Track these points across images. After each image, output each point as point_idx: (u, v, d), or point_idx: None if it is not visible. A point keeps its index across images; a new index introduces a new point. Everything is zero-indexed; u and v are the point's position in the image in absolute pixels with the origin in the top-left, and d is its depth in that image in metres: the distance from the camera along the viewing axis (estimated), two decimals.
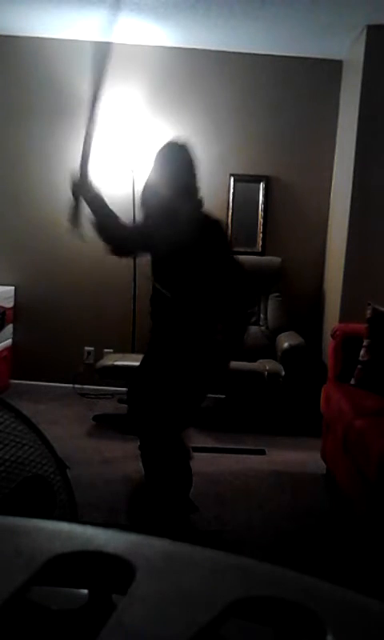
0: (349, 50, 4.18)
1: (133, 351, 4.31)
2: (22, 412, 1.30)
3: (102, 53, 2.45)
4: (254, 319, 4.34)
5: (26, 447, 1.25)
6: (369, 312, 3.18)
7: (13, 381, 4.61)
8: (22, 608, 0.53)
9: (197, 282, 2.53)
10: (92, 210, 2.49)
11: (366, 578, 2.33)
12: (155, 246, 2.57)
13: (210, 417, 4.00)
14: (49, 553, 0.54)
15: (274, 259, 4.50)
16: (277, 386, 3.90)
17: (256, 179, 4.55)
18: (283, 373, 3.91)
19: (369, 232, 3.93)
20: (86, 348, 4.68)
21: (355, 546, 2.62)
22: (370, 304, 3.22)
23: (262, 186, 4.55)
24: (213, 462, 3.38)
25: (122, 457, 3.42)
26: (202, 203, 2.58)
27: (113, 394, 4.51)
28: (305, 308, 4.59)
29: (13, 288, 4.58)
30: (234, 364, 4.03)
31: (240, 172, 4.52)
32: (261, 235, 4.59)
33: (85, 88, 4.46)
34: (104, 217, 2.53)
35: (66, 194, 2.50)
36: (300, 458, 3.58)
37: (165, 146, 2.57)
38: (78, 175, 2.44)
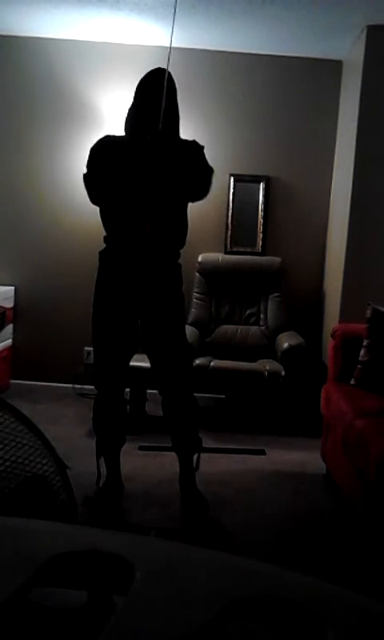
0: (349, 50, 4.18)
1: None
2: (22, 412, 1.30)
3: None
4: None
5: (26, 447, 1.25)
6: (369, 312, 3.18)
7: (13, 381, 4.61)
8: (22, 608, 0.53)
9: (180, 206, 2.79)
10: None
11: (367, 578, 2.33)
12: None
13: (210, 417, 4.00)
14: (49, 553, 0.54)
15: (274, 259, 4.50)
16: (277, 385, 3.90)
17: (256, 179, 4.55)
18: (283, 373, 3.91)
19: (369, 232, 3.93)
20: (86, 348, 4.67)
21: (355, 546, 2.62)
22: (369, 304, 3.22)
23: (262, 186, 4.54)
24: (213, 462, 3.38)
25: (122, 457, 3.42)
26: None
27: None
28: (305, 308, 4.59)
29: (13, 288, 4.58)
30: (233, 364, 4.06)
31: (240, 172, 4.52)
32: (261, 235, 4.59)
33: (85, 88, 4.47)
34: None
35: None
36: (300, 457, 3.58)
37: (154, 75, 2.70)
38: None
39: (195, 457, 2.95)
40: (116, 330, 2.82)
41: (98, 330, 2.87)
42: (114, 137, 2.89)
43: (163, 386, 2.88)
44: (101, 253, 2.84)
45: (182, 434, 2.92)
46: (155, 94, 2.62)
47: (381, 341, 3.12)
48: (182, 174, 2.72)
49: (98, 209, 2.85)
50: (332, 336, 3.42)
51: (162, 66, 2.70)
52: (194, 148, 2.78)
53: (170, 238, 2.78)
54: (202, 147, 2.80)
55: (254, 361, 4.13)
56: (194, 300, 4.44)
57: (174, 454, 2.99)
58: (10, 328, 4.53)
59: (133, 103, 2.78)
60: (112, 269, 2.81)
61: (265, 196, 4.55)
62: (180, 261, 2.85)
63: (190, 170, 2.73)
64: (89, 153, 2.83)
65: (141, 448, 3.54)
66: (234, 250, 4.58)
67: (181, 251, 2.86)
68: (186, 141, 2.80)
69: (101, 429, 2.96)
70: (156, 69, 2.72)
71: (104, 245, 2.84)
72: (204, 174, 2.75)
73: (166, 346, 2.81)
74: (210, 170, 2.77)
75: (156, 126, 2.59)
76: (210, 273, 4.44)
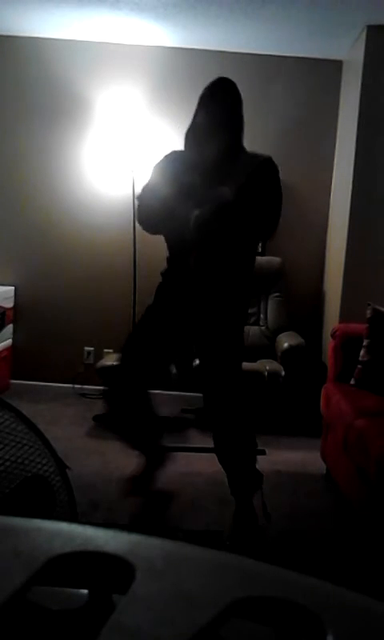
0: (349, 50, 4.18)
1: None
2: (22, 412, 1.30)
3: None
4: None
5: (26, 447, 1.25)
6: (369, 312, 3.18)
7: (13, 381, 4.61)
8: (21, 608, 0.52)
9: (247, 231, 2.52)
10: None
11: (367, 578, 2.33)
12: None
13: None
14: (49, 553, 0.54)
15: (274, 259, 4.49)
16: (277, 385, 3.90)
17: None
18: (283, 373, 3.91)
19: (369, 232, 3.93)
20: (86, 348, 4.68)
21: (355, 546, 2.62)
22: (369, 304, 3.22)
23: None
24: (213, 462, 3.36)
25: (122, 457, 3.42)
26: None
27: None
28: (305, 308, 4.59)
29: (13, 288, 4.58)
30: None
31: None
32: None
33: (84, 88, 4.47)
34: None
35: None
36: (300, 457, 3.57)
37: (210, 87, 2.52)
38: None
39: (257, 496, 2.72)
40: (159, 334, 2.68)
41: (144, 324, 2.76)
42: (179, 152, 2.66)
43: (213, 420, 2.72)
44: (162, 273, 2.66)
45: (238, 470, 2.70)
46: (206, 108, 2.48)
47: (381, 341, 3.12)
48: (242, 214, 2.44)
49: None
50: (332, 336, 3.42)
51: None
52: (262, 170, 2.48)
53: (219, 276, 2.52)
54: (273, 168, 2.50)
55: (254, 361, 4.13)
56: None
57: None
58: (10, 328, 4.53)
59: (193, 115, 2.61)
60: (169, 290, 2.63)
61: None
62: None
63: (253, 205, 2.43)
64: (153, 169, 2.63)
65: None
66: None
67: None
68: (252, 159, 2.52)
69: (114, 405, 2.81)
70: (216, 79, 2.53)
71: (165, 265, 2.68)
72: (265, 209, 2.47)
73: (217, 380, 2.63)
74: (276, 206, 2.49)
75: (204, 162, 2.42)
76: None
